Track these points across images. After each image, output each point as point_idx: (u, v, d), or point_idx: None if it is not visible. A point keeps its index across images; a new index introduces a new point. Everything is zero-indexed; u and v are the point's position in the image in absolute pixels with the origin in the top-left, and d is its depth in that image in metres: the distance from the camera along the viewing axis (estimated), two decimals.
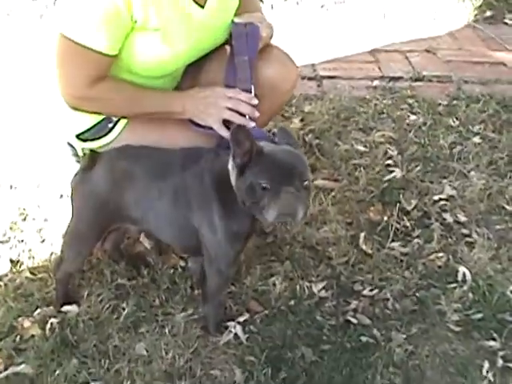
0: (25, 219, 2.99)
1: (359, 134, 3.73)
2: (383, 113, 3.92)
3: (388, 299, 2.68)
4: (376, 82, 4.24)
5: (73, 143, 2.65)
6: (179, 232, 2.43)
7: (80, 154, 2.65)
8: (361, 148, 3.57)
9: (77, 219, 2.48)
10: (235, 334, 2.50)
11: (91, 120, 2.59)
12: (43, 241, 2.87)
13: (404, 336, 2.51)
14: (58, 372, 2.33)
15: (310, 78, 4.28)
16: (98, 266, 2.77)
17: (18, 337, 2.46)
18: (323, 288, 2.73)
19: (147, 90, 2.53)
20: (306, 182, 2.15)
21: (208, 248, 2.36)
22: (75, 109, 2.50)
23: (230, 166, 2.25)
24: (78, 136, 2.62)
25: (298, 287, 2.71)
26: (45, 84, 3.27)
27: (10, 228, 2.94)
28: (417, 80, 4.29)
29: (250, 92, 2.50)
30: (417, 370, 2.41)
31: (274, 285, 2.72)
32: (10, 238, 2.89)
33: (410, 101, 4.04)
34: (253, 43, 2.54)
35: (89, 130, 2.60)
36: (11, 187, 3.16)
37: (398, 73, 4.34)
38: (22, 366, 2.34)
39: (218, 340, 2.49)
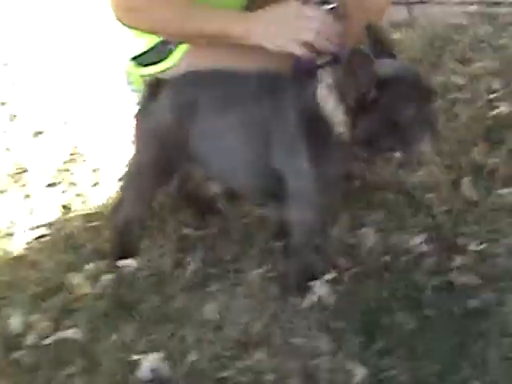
0: (76, 160, 2.61)
1: (456, 64, 3.31)
2: (483, 41, 3.48)
3: (499, 255, 2.29)
4: (473, 8, 3.80)
5: (130, 69, 2.27)
6: (255, 178, 2.09)
7: (138, 81, 2.26)
8: (459, 80, 3.16)
9: (138, 157, 2.17)
10: (320, 296, 2.13)
11: (149, 41, 2.28)
12: (96, 184, 2.51)
13: None
14: (113, 338, 2.02)
15: (397, 3, 3.79)
16: (159, 213, 2.41)
17: (68, 295, 2.16)
18: (422, 242, 2.34)
19: (204, 5, 2.18)
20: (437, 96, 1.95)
21: (293, 195, 2.03)
22: (125, 25, 2.19)
23: (320, 93, 1.92)
24: (134, 60, 2.28)
25: (392, 240, 2.34)
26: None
27: (61, 169, 2.56)
28: None
29: (334, 8, 2.16)
30: None
31: (365, 237, 2.33)
32: (60, 180, 2.53)
33: None
34: None
35: (146, 52, 2.30)
36: (65, 123, 2.78)
37: None
38: (72, 330, 2.03)
39: (300, 302, 2.14)
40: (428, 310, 2.10)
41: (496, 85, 3.10)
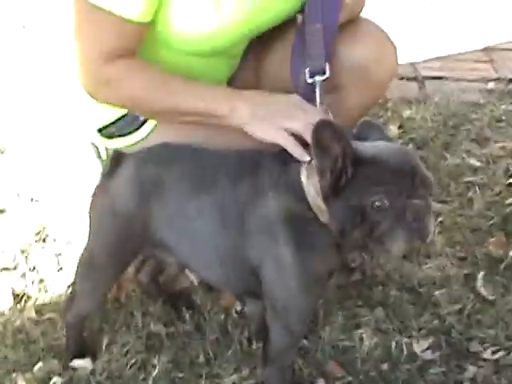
0: (42, 240, 2.32)
1: (472, 145, 3.02)
2: (501, 120, 3.21)
3: None
4: (491, 85, 3.54)
5: (96, 141, 1.98)
6: (227, 269, 1.76)
7: (104, 156, 1.99)
8: (475, 162, 2.87)
9: (92, 243, 1.85)
10: None
11: (116, 111, 1.99)
12: (60, 269, 2.21)
13: None
14: None
15: (409, 79, 3.60)
16: (126, 306, 2.09)
17: None
18: (428, 347, 2.03)
19: (185, 78, 1.87)
20: (432, 188, 1.56)
21: (272, 296, 1.70)
22: (95, 97, 1.90)
23: (305, 176, 1.62)
24: (101, 131, 2.01)
25: (393, 344, 2.03)
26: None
27: (22, 251, 2.26)
28: None
29: (324, 72, 1.83)
30: None
31: (361, 340, 2.04)
32: (19, 263, 2.21)
33: None
34: (331, 8, 1.88)
35: (113, 123, 2.01)
36: (32, 200, 2.50)
37: None
38: None
39: None
40: None
41: None
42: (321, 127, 1.49)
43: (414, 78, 3.60)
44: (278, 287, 1.68)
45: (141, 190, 1.75)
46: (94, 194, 1.84)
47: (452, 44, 3.93)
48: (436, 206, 2.55)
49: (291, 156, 1.67)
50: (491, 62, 3.80)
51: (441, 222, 2.49)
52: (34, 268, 2.26)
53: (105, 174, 1.82)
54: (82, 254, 1.88)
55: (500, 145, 2.98)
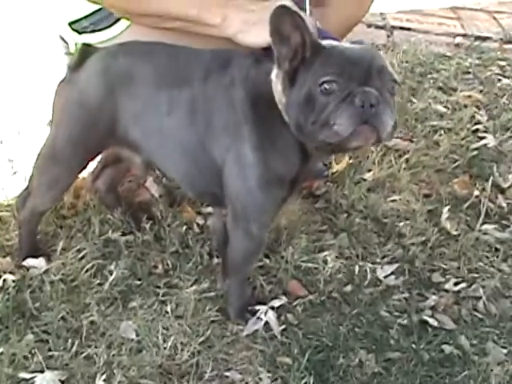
0: None
1: (438, 93, 3.02)
2: (468, 72, 3.24)
3: (479, 298, 1.96)
4: (459, 39, 3.58)
5: (66, 36, 1.89)
6: (192, 167, 1.71)
7: (73, 52, 1.90)
8: (441, 108, 2.87)
9: (56, 134, 1.78)
10: (266, 324, 1.78)
11: (92, 5, 1.90)
12: (15, 173, 2.10)
13: (504, 351, 1.79)
14: (1, 349, 1.62)
15: (378, 27, 3.62)
16: (84, 213, 2.01)
17: None
18: (392, 273, 2.00)
19: None
20: (392, 83, 1.49)
21: (233, 197, 1.66)
22: None
23: (274, 75, 1.56)
24: (72, 25, 1.90)
25: (356, 269, 2.00)
26: None
27: None
28: (508, 42, 3.63)
29: None
30: None
31: (325, 262, 2.00)
32: None
33: (502, 63, 3.36)
34: None
35: (87, 16, 1.92)
36: None
37: (485, 32, 3.70)
38: None
39: (241, 329, 1.78)
40: (393, 353, 1.75)
41: (481, 116, 2.79)
42: (280, 13, 1.43)
43: (383, 27, 3.60)
44: (239, 187, 1.63)
45: (109, 82, 1.69)
46: (59, 86, 1.76)
47: (421, 1, 3.94)
48: (402, 143, 2.54)
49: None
50: (458, 20, 3.85)
51: (406, 159, 2.46)
52: None
53: (73, 66, 1.74)
54: (43, 147, 1.80)
55: (466, 94, 2.97)
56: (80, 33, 1.95)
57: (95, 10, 1.92)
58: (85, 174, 1.94)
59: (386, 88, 1.46)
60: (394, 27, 3.63)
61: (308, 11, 1.79)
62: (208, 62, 1.67)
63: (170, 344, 1.68)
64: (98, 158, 1.90)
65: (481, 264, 2.07)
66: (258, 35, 1.70)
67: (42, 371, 1.57)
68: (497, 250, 2.13)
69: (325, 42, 1.50)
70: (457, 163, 2.50)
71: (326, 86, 1.43)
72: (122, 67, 1.69)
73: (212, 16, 1.76)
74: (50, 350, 1.65)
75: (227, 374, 1.65)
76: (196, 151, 1.65)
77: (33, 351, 1.63)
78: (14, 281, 1.79)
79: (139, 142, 1.71)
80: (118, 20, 1.92)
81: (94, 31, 1.94)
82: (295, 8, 1.47)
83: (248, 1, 1.80)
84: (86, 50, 1.73)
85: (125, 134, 1.70)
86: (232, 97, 1.60)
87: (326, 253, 2.02)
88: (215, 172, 1.64)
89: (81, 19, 1.93)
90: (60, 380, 1.56)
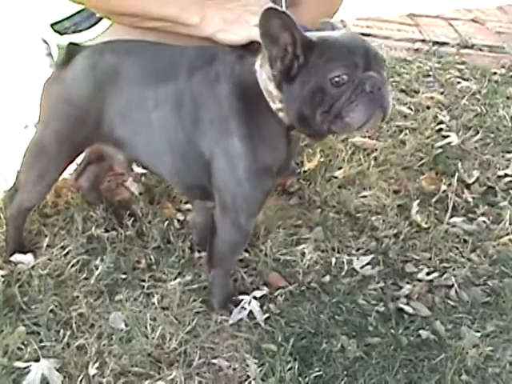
0: None
1: (401, 95, 3.12)
2: (429, 75, 3.35)
3: (451, 286, 2.02)
4: (418, 45, 3.70)
5: (47, 38, 1.93)
6: (180, 161, 1.74)
7: (54, 53, 1.93)
8: (404, 110, 2.97)
9: (43, 131, 1.81)
10: (250, 313, 1.82)
11: (73, 6, 1.93)
12: None
13: (478, 334, 1.85)
14: None
15: None
16: (66, 211, 2.05)
17: None
18: (367, 264, 2.06)
19: None
20: (383, 63, 1.58)
21: (222, 188, 1.69)
22: None
23: (258, 65, 1.62)
24: (53, 26, 1.94)
25: (333, 260, 2.05)
26: None
27: None
28: (465, 47, 3.74)
29: None
30: (498, 380, 1.73)
31: (303, 255, 2.05)
32: None
33: (460, 66, 3.48)
34: None
35: (69, 17, 1.95)
36: None
37: (442, 38, 3.81)
38: None
39: (225, 319, 1.82)
40: (373, 338, 1.81)
41: (444, 117, 2.88)
42: (268, 15, 1.48)
43: None
44: (228, 178, 1.67)
45: (96, 79, 1.72)
46: (47, 83, 1.80)
47: (380, 7, 4.03)
48: (370, 142, 2.61)
49: (256, 50, 1.66)
50: (416, 26, 3.96)
51: (375, 157, 2.54)
52: None
53: (59, 64, 1.78)
54: (31, 143, 1.83)
55: (428, 95, 3.06)
56: (62, 34, 1.98)
57: (76, 12, 1.95)
58: (65, 174, 1.97)
59: (382, 69, 1.55)
60: None
61: (284, 5, 1.85)
62: (192, 58, 1.71)
63: (158, 334, 1.71)
64: (82, 155, 1.93)
65: (451, 254, 2.14)
66: (237, 33, 1.75)
67: (36, 360, 1.59)
68: (465, 241, 2.21)
69: (310, 35, 1.55)
70: (423, 161, 2.58)
71: (336, 79, 1.49)
72: (109, 65, 1.72)
73: (191, 16, 1.80)
74: (41, 341, 1.67)
75: (214, 361, 1.69)
76: (183, 146, 1.69)
77: (25, 342, 1.65)
78: (2, 276, 1.81)
79: (125, 138, 1.74)
80: (99, 20, 1.95)
81: (75, 32, 1.97)
82: (282, 9, 1.52)
83: (224, 0, 1.86)
84: (73, 49, 1.77)
85: (111, 130, 1.73)
86: (218, 92, 1.65)
87: (302, 246, 2.08)
88: (203, 165, 1.67)
89: (62, 20, 1.96)
90: (55, 368, 1.58)
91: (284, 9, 1.81)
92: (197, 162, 1.69)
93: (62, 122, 1.77)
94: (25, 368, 1.58)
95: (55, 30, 1.98)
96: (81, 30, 1.97)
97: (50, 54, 2.01)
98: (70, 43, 1.80)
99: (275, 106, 1.61)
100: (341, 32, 1.65)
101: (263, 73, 1.60)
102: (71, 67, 1.74)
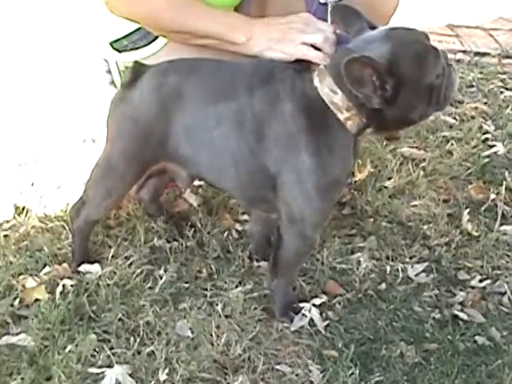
0: (36, 162, 2.33)
1: None
2: (472, 86, 3.36)
3: (504, 293, 2.06)
4: (459, 56, 3.70)
5: (107, 55, 2.00)
6: (244, 176, 1.78)
7: (113, 70, 2.00)
8: (450, 120, 2.99)
9: (111, 149, 1.87)
10: (311, 320, 1.87)
11: (131, 25, 2.00)
12: (58, 187, 2.20)
13: None
14: (69, 348, 1.70)
15: None
16: (128, 223, 2.13)
17: (18, 300, 1.85)
18: (422, 271, 2.10)
19: (204, 2, 1.90)
20: None
21: (290, 202, 1.73)
22: (110, 6, 1.92)
23: (317, 81, 1.69)
24: (112, 44, 2.03)
25: (388, 268, 2.10)
26: None
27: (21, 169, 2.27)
28: (507, 57, 3.74)
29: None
30: None
31: (358, 263, 2.10)
32: (17, 180, 2.22)
33: (503, 76, 3.49)
34: None
35: (127, 36, 2.03)
36: (24, 125, 2.49)
37: (483, 49, 3.82)
38: (21, 335, 1.72)
39: (286, 326, 1.86)
40: (430, 344, 1.85)
41: (489, 126, 2.92)
42: (347, 64, 1.55)
43: None
44: (297, 192, 1.71)
45: (161, 99, 1.77)
46: (113, 103, 1.85)
47: (419, 19, 4.04)
48: (418, 153, 2.65)
49: (308, 65, 1.72)
50: (457, 37, 3.96)
51: (423, 167, 2.57)
52: (33, 184, 2.24)
53: (126, 84, 1.83)
54: (99, 160, 1.89)
55: (472, 105, 3.09)
56: (120, 51, 2.04)
57: (134, 30, 2.01)
58: None
59: None
60: None
61: (329, 20, 1.88)
62: (250, 74, 1.76)
63: (223, 341, 1.76)
64: None
65: (503, 262, 2.17)
66: (284, 52, 1.80)
67: (109, 366, 1.65)
68: None
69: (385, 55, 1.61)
70: (470, 170, 2.61)
71: (439, 72, 1.62)
72: (172, 85, 1.77)
73: (238, 34, 1.85)
74: (112, 348, 1.72)
75: (278, 367, 1.73)
76: (247, 162, 1.73)
77: (97, 349, 1.71)
78: (72, 285, 1.87)
79: (189, 156, 1.79)
80: (156, 38, 2.01)
81: (133, 49, 2.03)
82: (358, 54, 1.57)
83: (271, 19, 1.90)
84: (138, 68, 1.82)
85: (175, 149, 1.78)
86: (281, 109, 1.68)
87: (357, 254, 2.12)
88: (268, 179, 1.71)
89: (121, 38, 2.02)
90: (127, 373, 1.65)
91: (329, 19, 1.87)
92: (261, 176, 1.73)
93: (128, 141, 1.82)
94: (98, 374, 1.64)
95: (114, 48, 2.05)
96: (138, 48, 2.03)
97: (109, 71, 2.08)
98: (135, 62, 1.85)
99: (343, 115, 1.66)
100: (383, 33, 1.67)
101: (325, 87, 1.66)
102: (137, 88, 1.79)
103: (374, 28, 1.70)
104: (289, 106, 1.69)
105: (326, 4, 1.90)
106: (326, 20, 1.87)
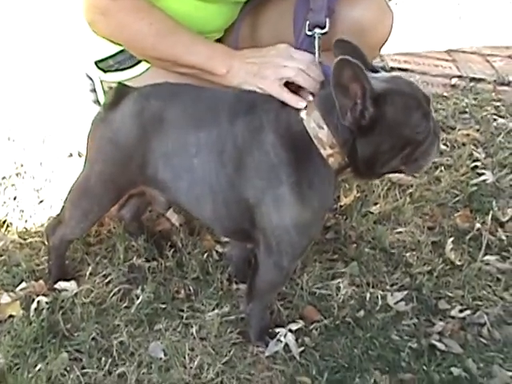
0: (20, 175, 2.31)
1: None
2: (465, 112, 3.35)
3: (483, 324, 2.04)
4: (455, 81, 3.69)
5: (91, 74, 2.00)
6: (221, 207, 1.74)
7: (98, 89, 1.99)
8: (441, 146, 2.87)
9: (89, 171, 1.84)
10: (285, 346, 1.86)
11: (116, 45, 1.99)
12: (41, 202, 2.20)
13: (509, 374, 1.86)
14: (39, 367, 1.69)
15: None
16: (108, 240, 2.12)
17: None
18: (401, 300, 2.09)
19: (186, 29, 1.88)
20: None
21: (267, 233, 1.70)
22: (92, 27, 1.91)
23: (304, 113, 1.66)
24: (98, 64, 2.04)
25: (368, 295, 2.09)
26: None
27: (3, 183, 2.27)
28: (502, 84, 3.73)
29: (324, 27, 1.84)
30: None
31: (338, 289, 2.08)
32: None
33: (497, 103, 3.47)
34: None
35: (112, 56, 2.03)
36: (9, 139, 2.49)
37: (479, 74, 3.81)
38: None
39: (261, 351, 1.85)
40: (405, 374, 1.84)
41: (479, 154, 2.91)
42: (341, 66, 1.50)
43: (382, 68, 3.67)
44: (275, 224, 1.68)
45: (142, 124, 1.75)
46: (94, 124, 1.83)
47: (416, 43, 4.07)
48: (405, 178, 2.63)
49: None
50: (454, 62, 3.95)
51: (410, 194, 2.57)
52: (15, 198, 2.24)
53: (108, 105, 1.81)
54: (76, 181, 1.87)
55: (464, 132, 3.08)
56: (105, 71, 2.04)
57: (120, 50, 2.00)
58: None
59: None
60: (392, 68, 3.74)
61: (317, 53, 1.84)
62: (232, 103, 1.73)
63: (196, 364, 1.76)
64: None
65: (484, 292, 2.15)
66: (259, 87, 1.77)
67: None
68: (498, 279, 2.21)
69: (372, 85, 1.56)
70: (457, 198, 2.60)
71: (421, 129, 1.58)
72: (154, 110, 1.74)
73: (217, 66, 1.83)
74: (83, 367, 1.72)
75: None
76: (225, 192, 1.69)
77: (68, 369, 1.71)
78: (47, 302, 1.86)
79: (168, 182, 1.75)
80: (141, 60, 2.01)
81: (118, 70, 2.02)
82: (354, 60, 1.51)
83: (250, 51, 1.88)
84: (121, 90, 1.80)
85: (154, 174, 1.75)
86: (263, 140, 1.65)
87: (338, 280, 2.10)
88: (246, 210, 1.68)
89: (107, 58, 2.01)
90: None
91: (317, 52, 1.85)
92: (239, 207, 1.70)
93: (107, 165, 1.80)
94: None
95: (99, 68, 2.04)
96: (124, 69, 2.02)
97: (93, 90, 2.08)
98: (119, 84, 1.84)
99: (326, 152, 1.63)
100: (394, 78, 1.66)
101: (311, 120, 1.63)
102: (119, 110, 1.77)
103: (376, 71, 1.69)
104: (271, 137, 1.65)
105: (312, 36, 1.87)
106: (312, 51, 1.85)
